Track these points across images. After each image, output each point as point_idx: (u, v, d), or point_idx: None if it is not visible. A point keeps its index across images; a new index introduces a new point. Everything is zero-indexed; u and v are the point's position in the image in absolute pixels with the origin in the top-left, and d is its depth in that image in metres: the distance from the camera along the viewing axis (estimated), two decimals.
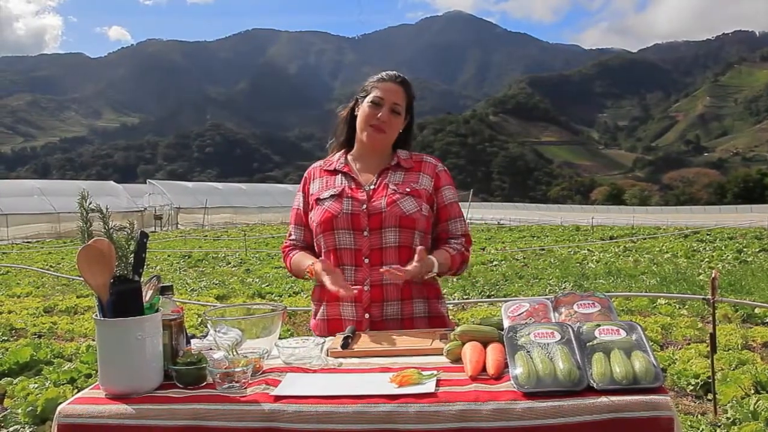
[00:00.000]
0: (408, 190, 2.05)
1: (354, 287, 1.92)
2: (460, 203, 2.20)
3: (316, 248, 2.14)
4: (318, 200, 2.10)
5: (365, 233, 2.01)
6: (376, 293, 2.01)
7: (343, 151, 2.20)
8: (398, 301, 2.02)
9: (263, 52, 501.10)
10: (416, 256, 1.90)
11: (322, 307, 2.11)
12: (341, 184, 2.10)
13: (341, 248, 2.03)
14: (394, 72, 2.15)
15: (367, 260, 2.01)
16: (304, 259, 2.12)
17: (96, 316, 1.46)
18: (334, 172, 2.15)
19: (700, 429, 3.28)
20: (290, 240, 2.23)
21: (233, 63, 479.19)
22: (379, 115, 2.06)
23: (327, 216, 2.04)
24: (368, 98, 2.09)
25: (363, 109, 2.09)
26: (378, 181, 2.09)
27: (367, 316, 2.00)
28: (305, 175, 2.22)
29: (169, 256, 15.72)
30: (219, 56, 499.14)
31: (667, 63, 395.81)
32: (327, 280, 1.91)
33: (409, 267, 1.90)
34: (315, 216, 2.09)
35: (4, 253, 18.65)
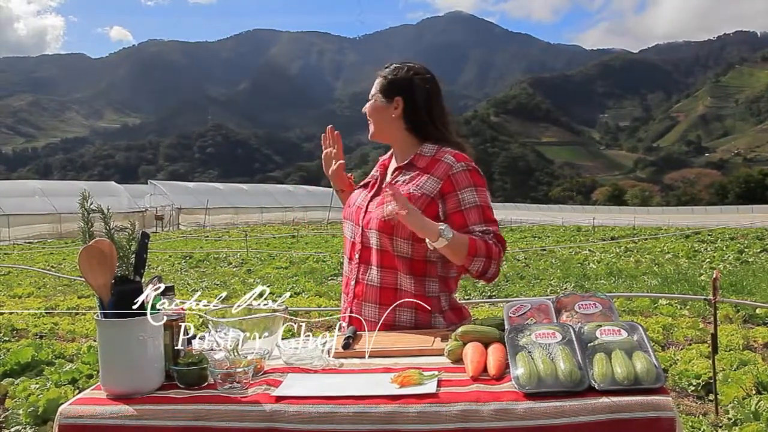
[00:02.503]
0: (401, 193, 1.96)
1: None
2: None
3: None
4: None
5: (360, 229, 2.04)
6: (358, 290, 2.02)
7: None
8: (376, 305, 1.96)
9: (264, 53, 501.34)
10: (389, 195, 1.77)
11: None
12: (373, 177, 2.16)
13: (348, 238, 2.11)
14: None
15: (357, 256, 2.03)
16: None
17: (97, 316, 1.46)
18: (382, 165, 2.19)
19: (702, 429, 3.27)
20: None
21: (234, 63, 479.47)
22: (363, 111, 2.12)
23: (346, 205, 2.17)
24: None
25: None
26: (390, 180, 2.08)
27: (349, 311, 2.03)
28: None
29: (170, 256, 15.72)
30: (220, 56, 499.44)
31: (668, 63, 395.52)
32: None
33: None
34: None
35: (5, 253, 18.66)
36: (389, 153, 2.19)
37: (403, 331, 1.91)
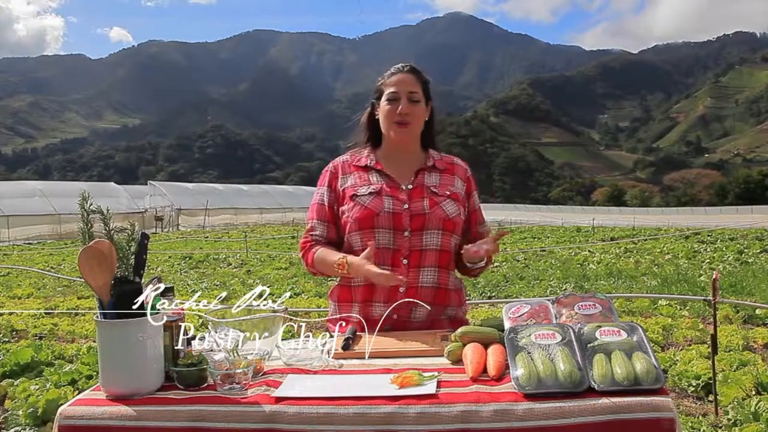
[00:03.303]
0: (448, 192, 2.05)
1: (398, 276, 1.87)
2: None
3: (345, 246, 2.06)
4: (355, 196, 2.03)
5: (406, 234, 1.98)
6: (410, 295, 1.97)
7: (369, 147, 2.15)
8: (429, 306, 1.98)
9: (264, 53, 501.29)
10: (497, 235, 1.96)
11: (354, 307, 2.04)
12: (378, 181, 2.05)
13: (379, 248, 1.97)
14: (400, 64, 2.11)
15: (405, 261, 1.98)
16: (331, 254, 2.01)
17: (97, 317, 1.46)
18: (367, 168, 2.09)
19: (701, 430, 3.27)
20: (312, 235, 2.11)
21: (234, 64, 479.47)
22: (398, 109, 2.02)
23: (367, 213, 1.98)
24: (384, 97, 2.05)
25: (383, 109, 2.05)
26: (415, 182, 2.06)
27: (395, 316, 1.96)
28: (330, 169, 2.14)
29: (170, 257, 15.71)
30: (220, 57, 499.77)
31: (668, 64, 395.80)
32: (372, 270, 1.85)
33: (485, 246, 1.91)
34: (352, 212, 2.01)
35: (5, 254, 18.65)
36: (366, 156, 2.12)
37: (442, 326, 1.99)
